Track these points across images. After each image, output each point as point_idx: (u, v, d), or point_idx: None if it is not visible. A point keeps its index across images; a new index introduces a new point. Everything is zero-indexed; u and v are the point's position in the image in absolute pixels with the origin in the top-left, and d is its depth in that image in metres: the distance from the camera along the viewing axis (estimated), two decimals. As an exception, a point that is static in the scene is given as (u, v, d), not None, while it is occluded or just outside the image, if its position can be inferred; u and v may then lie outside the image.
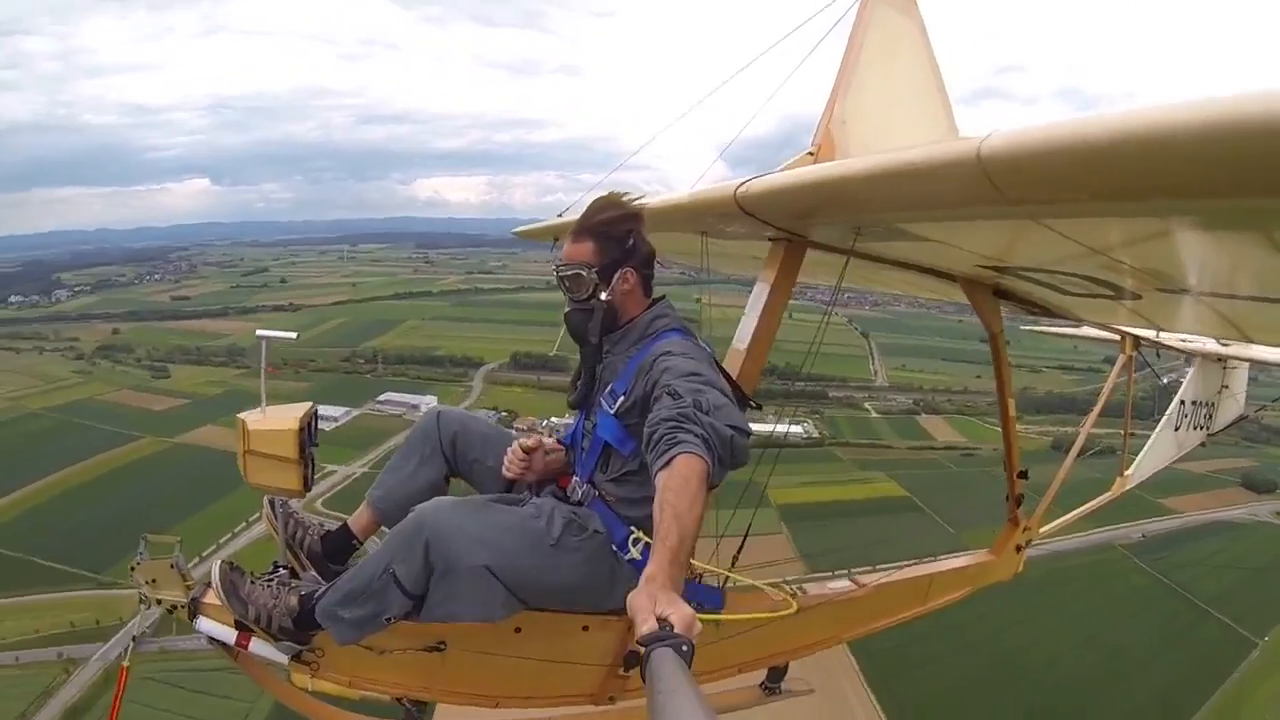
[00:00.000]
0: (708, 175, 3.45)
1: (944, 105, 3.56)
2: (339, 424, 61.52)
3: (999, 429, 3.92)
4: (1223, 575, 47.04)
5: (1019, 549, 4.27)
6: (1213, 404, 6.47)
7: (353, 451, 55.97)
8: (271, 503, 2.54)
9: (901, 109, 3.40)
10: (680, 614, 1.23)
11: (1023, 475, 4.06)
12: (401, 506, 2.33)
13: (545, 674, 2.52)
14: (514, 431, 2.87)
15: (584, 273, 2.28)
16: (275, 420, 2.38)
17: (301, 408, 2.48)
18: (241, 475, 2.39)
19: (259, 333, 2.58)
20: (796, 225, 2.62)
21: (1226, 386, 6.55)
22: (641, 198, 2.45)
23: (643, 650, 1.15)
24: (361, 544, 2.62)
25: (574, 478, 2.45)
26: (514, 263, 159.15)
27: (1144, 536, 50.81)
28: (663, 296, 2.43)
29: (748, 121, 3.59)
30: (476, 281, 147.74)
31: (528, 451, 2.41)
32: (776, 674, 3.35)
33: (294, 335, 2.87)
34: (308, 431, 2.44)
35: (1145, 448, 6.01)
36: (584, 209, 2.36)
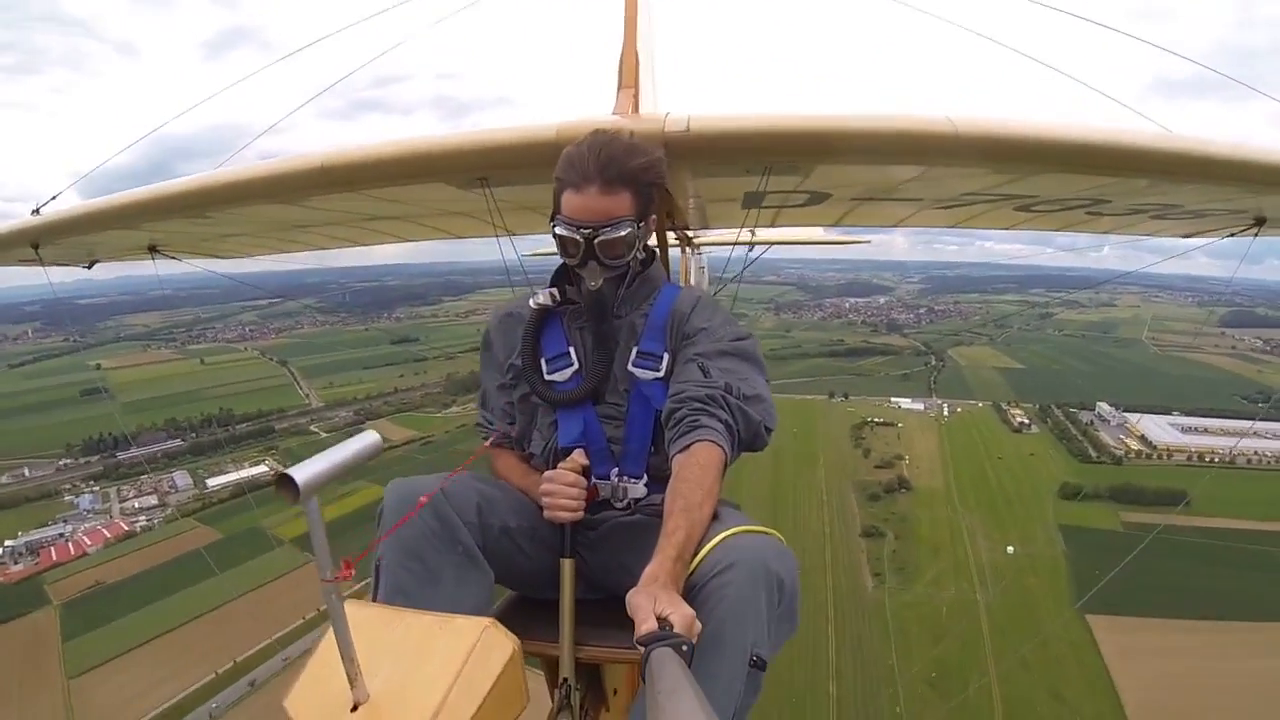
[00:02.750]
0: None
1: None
2: None
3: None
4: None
5: None
6: (700, 282, 8.49)
7: None
8: None
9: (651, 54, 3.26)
10: (680, 614, 1.20)
11: None
12: None
13: None
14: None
15: (635, 228, 1.77)
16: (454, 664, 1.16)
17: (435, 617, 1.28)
18: None
19: (294, 474, 1.00)
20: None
21: (703, 269, 8.44)
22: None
23: (642, 650, 1.14)
24: None
25: (608, 481, 1.86)
26: None
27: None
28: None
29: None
30: None
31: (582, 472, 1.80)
32: None
33: (375, 438, 1.24)
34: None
35: None
36: (580, 156, 1.70)
